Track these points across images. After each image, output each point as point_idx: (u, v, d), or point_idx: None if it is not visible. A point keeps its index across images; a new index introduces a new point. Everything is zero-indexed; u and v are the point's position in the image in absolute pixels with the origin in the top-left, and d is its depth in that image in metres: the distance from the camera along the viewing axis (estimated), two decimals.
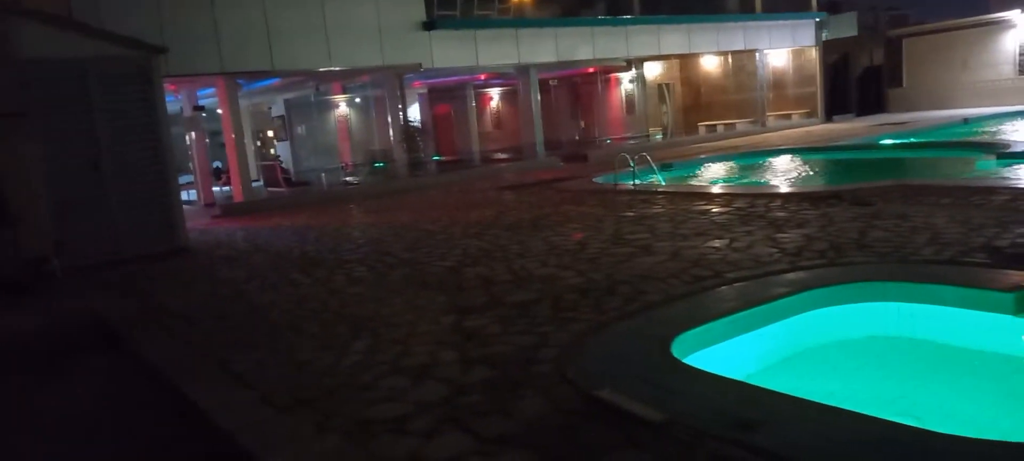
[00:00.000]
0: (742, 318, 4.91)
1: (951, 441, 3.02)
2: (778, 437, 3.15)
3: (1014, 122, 20.90)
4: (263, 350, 5.61)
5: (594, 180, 15.01)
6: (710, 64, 29.77)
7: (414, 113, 20.79)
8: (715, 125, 27.38)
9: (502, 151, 26.94)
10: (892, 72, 30.75)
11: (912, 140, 18.17)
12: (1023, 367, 4.70)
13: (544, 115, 23.68)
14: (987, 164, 12.40)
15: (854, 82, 31.81)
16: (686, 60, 29.39)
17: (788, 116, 28.49)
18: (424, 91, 26.82)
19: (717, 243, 7.57)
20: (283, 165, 24.15)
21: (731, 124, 27.14)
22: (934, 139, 17.71)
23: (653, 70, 29.22)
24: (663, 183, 13.64)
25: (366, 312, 6.40)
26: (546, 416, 3.72)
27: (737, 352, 4.83)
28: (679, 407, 3.52)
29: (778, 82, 29.59)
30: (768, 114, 28.02)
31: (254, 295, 7.77)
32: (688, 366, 4.14)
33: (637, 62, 26.71)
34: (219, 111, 19.18)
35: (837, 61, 31.38)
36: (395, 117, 20.31)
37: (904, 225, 7.44)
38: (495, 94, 31.41)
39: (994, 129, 19.73)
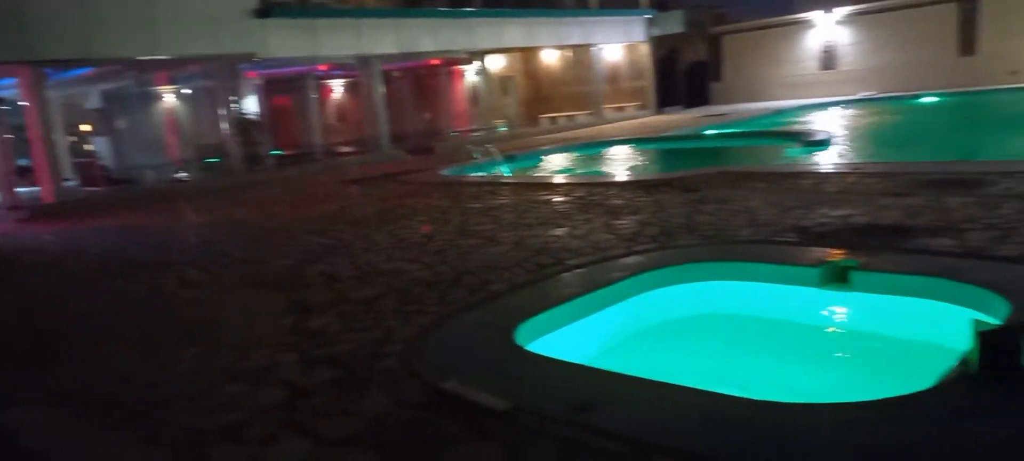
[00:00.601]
0: (582, 303, 5.08)
1: (770, 407, 3.28)
2: (617, 416, 3.28)
3: (817, 113, 23.10)
4: (80, 362, 5.13)
5: (440, 172, 15.01)
6: (550, 58, 30.60)
7: (250, 105, 19.77)
8: (556, 117, 28.20)
9: (346, 144, 26.28)
10: (714, 67, 33.06)
11: (731, 130, 19.64)
12: (828, 335, 5.21)
13: (389, 107, 23.34)
14: (795, 151, 13.63)
15: (681, 76, 33.91)
16: (527, 54, 30.04)
17: (623, 108, 29.88)
18: (260, 82, 25.60)
19: (559, 231, 7.80)
20: (102, 162, 22.23)
21: (571, 116, 28.06)
22: (750, 129, 19.25)
23: (496, 63, 29.61)
24: (508, 174, 13.88)
25: (199, 316, 6.01)
26: (391, 413, 3.66)
27: (579, 336, 4.99)
28: (524, 394, 3.58)
29: (613, 76, 30.95)
30: (605, 106, 29.24)
31: (69, 304, 7.08)
32: (532, 353, 4.23)
33: (480, 55, 26.96)
34: (23, 104, 17.27)
35: (665, 56, 33.30)
36: (228, 110, 19.22)
37: (726, 209, 8.01)
38: (338, 86, 30.58)
39: (801, 119, 21.71)
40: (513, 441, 3.17)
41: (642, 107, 30.23)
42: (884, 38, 27.89)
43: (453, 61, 27.53)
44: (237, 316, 5.90)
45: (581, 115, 28.33)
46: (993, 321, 3.69)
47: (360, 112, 24.77)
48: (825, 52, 29.63)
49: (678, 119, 26.25)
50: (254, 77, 24.09)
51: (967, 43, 26.14)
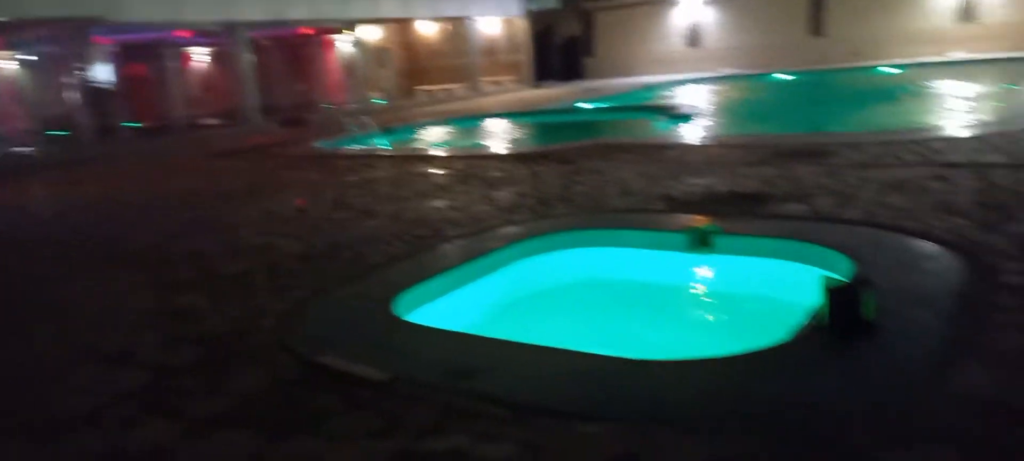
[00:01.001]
0: (462, 272, 5.10)
1: (639, 364, 3.42)
2: (496, 380, 3.33)
3: (684, 88, 24.12)
4: None
5: (315, 145, 14.54)
6: (427, 30, 30.24)
7: (100, 73, 18.31)
8: (433, 90, 27.96)
9: (212, 116, 24.91)
10: (587, 43, 33.76)
11: (604, 105, 20.18)
12: (695, 296, 5.50)
13: (259, 78, 22.30)
14: (663, 125, 14.18)
15: (556, 51, 34.41)
16: (404, 25, 29.53)
17: (500, 82, 30.00)
18: (115, 49, 23.74)
19: (437, 203, 7.76)
20: None
21: (448, 89, 27.90)
22: (622, 103, 19.85)
23: (372, 34, 28.92)
24: (385, 147, 13.64)
25: (51, 297, 5.56)
26: (265, 390, 3.54)
27: (459, 305, 5.01)
28: (403, 364, 3.56)
29: (491, 49, 30.98)
30: (482, 80, 29.26)
31: None
32: (411, 323, 4.21)
33: (355, 25, 26.22)
34: None
35: (541, 31, 33.67)
36: (76, 78, 17.74)
37: (599, 179, 8.25)
38: (203, 54, 28.85)
39: (669, 94, 22.60)
40: (392, 411, 3.15)
41: (519, 81, 30.46)
42: (743, 19, 29.41)
43: (327, 30, 26.62)
44: (93, 296, 5.50)
45: (458, 88, 28.22)
46: (839, 278, 4.01)
47: (227, 82, 23.53)
48: (691, 30, 30.91)
49: (554, 93, 26.66)
50: (107, 43, 22.31)
51: (816, 25, 28.02)
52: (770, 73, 26.14)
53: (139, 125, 22.73)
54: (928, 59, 23.65)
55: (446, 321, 4.66)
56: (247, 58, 21.10)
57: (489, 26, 30.54)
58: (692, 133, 12.39)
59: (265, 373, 3.71)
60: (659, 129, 13.72)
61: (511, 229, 6.26)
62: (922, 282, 4.15)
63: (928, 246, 4.80)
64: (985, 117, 11.29)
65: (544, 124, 17.90)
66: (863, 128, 11.81)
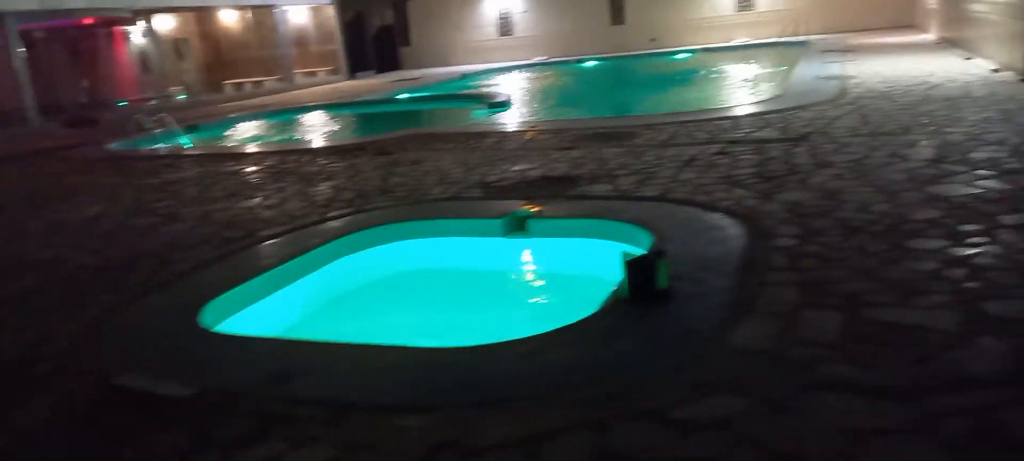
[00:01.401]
0: (276, 274, 4.92)
1: (455, 351, 3.49)
2: (313, 382, 3.26)
3: (499, 76, 24.68)
4: None
5: (109, 147, 13.31)
6: (230, 19, 28.59)
7: None
8: (242, 83, 26.54)
9: None
10: (402, 32, 33.53)
11: (422, 94, 20.18)
12: (513, 279, 5.68)
13: (35, 74, 20.00)
14: (482, 112, 14.44)
15: (371, 40, 33.86)
16: (203, 14, 27.71)
17: (314, 74, 29.06)
18: None
19: (249, 203, 7.41)
20: None
21: (259, 82, 26.61)
22: (441, 93, 19.95)
23: (167, 24, 26.87)
24: (189, 146, 12.78)
25: None
26: (55, 419, 3.23)
27: (275, 309, 4.83)
28: (213, 377, 3.39)
29: (302, 40, 29.90)
30: (295, 71, 28.18)
31: None
32: (220, 333, 4.00)
33: (145, 14, 24.23)
34: None
35: (353, 20, 32.95)
36: None
37: (418, 169, 8.26)
38: None
39: (486, 82, 23.02)
40: (201, 426, 2.99)
41: (334, 72, 29.67)
42: (550, 8, 30.53)
43: (112, 21, 24.38)
44: None
45: (270, 81, 27.00)
46: (636, 251, 4.30)
47: None
48: (502, 19, 31.62)
49: (370, 84, 26.25)
50: None
51: (617, 13, 29.71)
52: (578, 60, 27.39)
53: None
54: (716, 45, 25.88)
55: (261, 327, 4.50)
56: (17, 52, 18.83)
57: (298, 15, 29.42)
58: (507, 120, 12.73)
59: (53, 402, 3.38)
60: (476, 117, 13.96)
61: (329, 225, 6.12)
62: (710, 250, 4.56)
63: (716, 216, 5.28)
64: (761, 96, 12.54)
65: (362, 115, 17.61)
66: (661, 110, 12.73)
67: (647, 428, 2.67)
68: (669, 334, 3.46)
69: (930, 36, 19.56)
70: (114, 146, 13.21)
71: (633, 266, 3.81)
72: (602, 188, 6.50)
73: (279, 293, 4.87)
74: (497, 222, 5.75)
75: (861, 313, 3.43)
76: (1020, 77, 10.32)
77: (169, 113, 14.68)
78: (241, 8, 27.16)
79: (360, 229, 5.79)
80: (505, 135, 10.15)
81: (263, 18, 27.72)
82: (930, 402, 2.64)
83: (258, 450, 2.76)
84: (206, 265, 5.33)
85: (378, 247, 5.64)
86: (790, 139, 7.78)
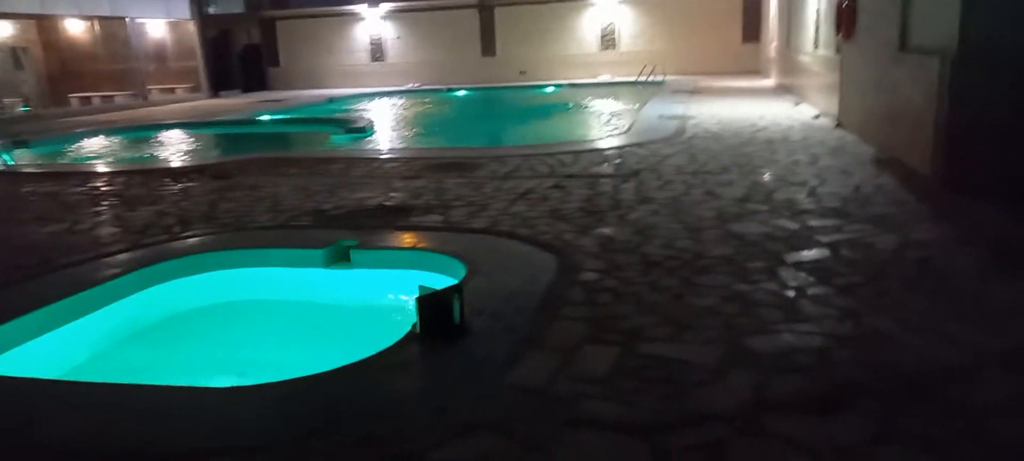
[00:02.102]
0: (59, 309, 4.56)
1: (219, 393, 3.36)
2: (57, 429, 3.02)
3: (368, 102, 24.42)
4: None
5: None
6: (77, 28, 26.76)
7: None
8: (90, 97, 24.83)
9: None
10: (270, 52, 32.63)
11: (283, 116, 19.64)
12: (328, 311, 5.54)
13: None
14: (340, 138, 14.18)
15: (236, 59, 32.72)
16: (46, 22, 25.79)
17: (172, 90, 27.68)
18: None
19: (54, 227, 6.89)
20: None
21: (109, 97, 25.00)
22: (302, 116, 19.47)
23: (3, 30, 24.80)
24: (9, 163, 11.76)
25: None
26: None
27: (57, 347, 4.47)
28: None
29: (159, 54, 28.45)
30: (150, 87, 26.73)
31: None
32: None
33: None
34: None
35: (217, 37, 31.76)
36: None
37: (253, 195, 7.98)
38: None
39: (352, 107, 22.70)
40: None
41: (193, 89, 28.38)
42: (423, 36, 30.69)
43: None
44: None
45: (121, 96, 25.43)
46: (443, 284, 4.31)
47: None
48: (374, 44, 31.43)
49: (232, 103, 25.30)
50: None
51: (488, 46, 30.25)
52: (450, 89, 27.58)
53: None
54: (582, 80, 26.82)
55: (36, 366, 4.15)
56: None
57: (155, 28, 27.98)
58: (360, 146, 12.58)
59: None
60: (336, 142, 13.70)
61: (136, 253, 5.77)
62: (514, 283, 4.64)
63: (531, 250, 5.39)
64: (608, 132, 13.05)
65: (215, 136, 16.89)
66: (517, 141, 12.97)
67: None
68: (450, 372, 3.47)
69: (770, 82, 21.12)
70: None
71: (424, 302, 3.81)
72: (434, 219, 6.51)
73: (62, 330, 4.52)
74: (319, 253, 5.62)
75: (636, 348, 3.58)
76: (835, 123, 11.29)
77: (6, 125, 13.47)
78: (88, 18, 25.48)
79: (165, 259, 5.49)
80: (352, 162, 10.00)
81: (114, 29, 26.13)
82: (667, 438, 2.77)
83: None
84: None
85: (184, 278, 5.36)
86: (622, 175, 8.11)
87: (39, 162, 12.87)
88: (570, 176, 8.23)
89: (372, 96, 26.27)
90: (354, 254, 5.62)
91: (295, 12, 32.10)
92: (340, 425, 2.97)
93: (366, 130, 14.67)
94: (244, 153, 11.44)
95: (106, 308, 4.87)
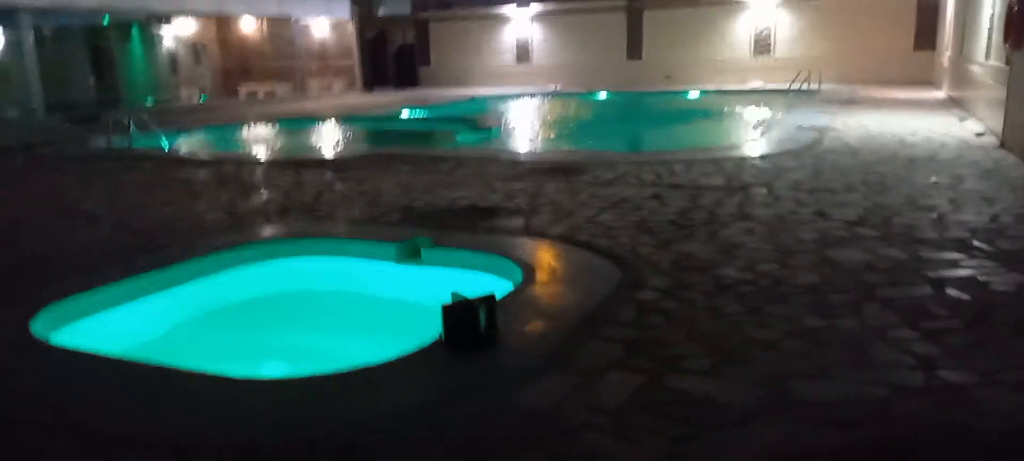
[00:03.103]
0: (140, 284, 4.84)
1: (233, 383, 3.39)
2: (86, 406, 3.17)
3: (508, 102, 24.66)
4: None
5: (92, 145, 13.47)
6: (248, 27, 29.04)
7: None
8: (256, 91, 26.90)
9: None
10: (423, 52, 33.82)
11: (420, 114, 20.24)
12: (394, 306, 5.55)
13: (50, 71, 20.43)
14: (465, 137, 14.39)
15: (391, 58, 34.21)
16: (224, 21, 28.20)
17: (330, 86, 29.39)
18: None
19: (171, 210, 7.41)
20: None
21: (272, 91, 26.96)
22: (437, 114, 19.97)
23: (187, 28, 27.39)
24: (166, 149, 12.89)
25: None
26: None
27: (130, 321, 4.75)
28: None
29: (320, 52, 30.27)
30: (311, 83, 28.52)
31: None
32: (41, 342, 3.91)
33: (164, 18, 24.75)
34: None
35: (375, 36, 33.37)
36: None
37: (356, 189, 8.20)
38: None
39: (492, 107, 23.02)
40: None
41: (349, 86, 29.97)
42: (568, 38, 30.58)
43: (128, 21, 24.88)
44: None
45: (284, 90, 27.33)
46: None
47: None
48: (520, 46, 31.73)
49: (382, 100, 26.43)
50: None
51: (634, 48, 29.63)
52: (591, 92, 27.31)
53: None
54: (730, 87, 25.63)
55: (111, 338, 4.43)
56: (29, 47, 19.26)
57: (318, 28, 29.81)
58: (479, 146, 12.68)
59: None
60: (456, 141, 13.92)
61: (230, 238, 6.07)
62: (567, 295, 4.42)
63: (600, 262, 5.12)
64: (736, 142, 12.31)
65: (354, 131, 17.65)
66: (635, 148, 12.56)
67: None
68: (459, 386, 3.32)
69: (940, 94, 19.16)
70: (97, 144, 13.36)
71: (449, 311, 3.67)
72: (515, 222, 6.37)
73: (138, 304, 4.80)
74: (392, 247, 5.66)
75: (665, 380, 3.25)
76: (999, 142, 10.00)
77: (182, 115, 14.80)
78: (259, 17, 27.57)
79: (250, 244, 5.72)
80: (462, 161, 10.06)
81: (280, 29, 28.12)
82: None
83: None
84: (84, 270, 5.28)
85: (263, 264, 5.56)
86: (730, 188, 7.58)
87: (188, 149, 13.97)
88: (674, 186, 7.81)
89: (514, 97, 26.52)
90: (425, 252, 5.61)
91: (447, 13, 33.08)
92: (325, 432, 2.90)
93: (491, 130, 14.79)
94: (371, 148, 11.89)
95: (180, 287, 5.12)
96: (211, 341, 4.91)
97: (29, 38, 19.16)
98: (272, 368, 4.69)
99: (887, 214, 6.23)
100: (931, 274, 4.60)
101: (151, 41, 26.32)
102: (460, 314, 3.67)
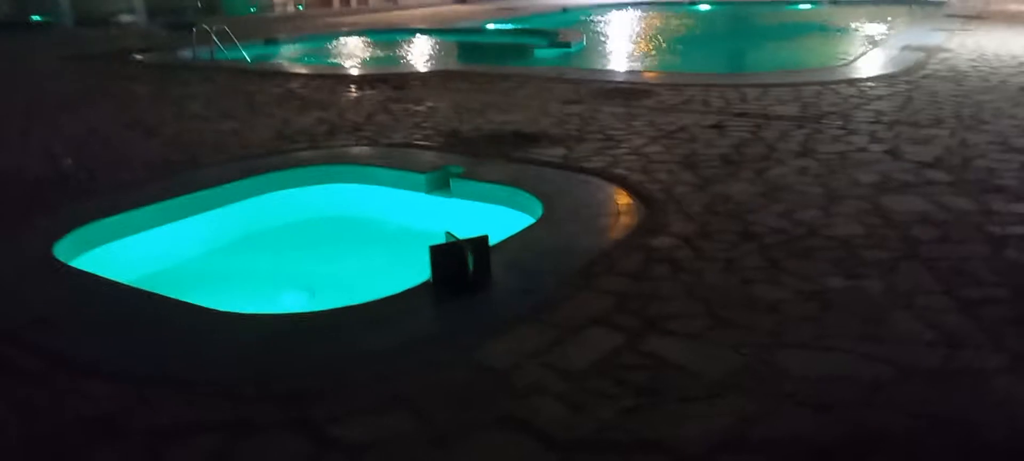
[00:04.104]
0: (165, 209, 4.93)
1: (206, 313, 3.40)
2: (63, 332, 3.25)
3: (605, 14, 23.68)
4: None
5: (178, 54, 13.92)
6: None
7: None
8: (349, 0, 27.01)
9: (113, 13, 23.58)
10: None
11: (504, 26, 19.73)
12: (415, 238, 5.46)
13: None
14: (542, 52, 13.95)
15: None
16: None
17: None
18: None
19: (227, 125, 7.54)
20: None
21: (364, 0, 26.99)
22: (521, 26, 19.40)
23: None
24: (248, 61, 13.15)
25: None
26: None
27: (153, 245, 4.84)
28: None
29: None
30: None
31: None
32: (59, 264, 4.02)
33: None
34: None
35: None
36: None
37: (409, 110, 8.08)
38: None
39: (585, 19, 22.19)
40: None
41: None
42: None
43: None
44: None
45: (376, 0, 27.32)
46: (528, 222, 3.88)
47: None
48: None
49: (473, 10, 26.01)
50: None
51: None
52: (692, 2, 25.90)
53: None
54: None
55: (133, 263, 4.54)
56: None
57: None
58: (551, 63, 12.25)
59: None
60: (539, 56, 13.52)
61: (272, 159, 6.11)
62: (577, 237, 4.18)
63: (624, 199, 4.83)
64: (829, 62, 11.32)
65: (433, 44, 17.46)
66: (715, 69, 11.78)
67: (280, 439, 2.46)
68: (426, 334, 3.20)
69: None
70: (183, 53, 13.77)
71: (436, 252, 3.52)
72: (556, 152, 6.09)
73: (164, 229, 4.90)
74: (422, 177, 5.54)
75: (643, 342, 3.00)
76: None
77: (278, 25, 14.94)
78: None
79: (281, 168, 5.73)
80: (524, 80, 9.71)
81: None
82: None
83: None
84: (124, 187, 5.44)
85: (290, 190, 5.56)
86: (801, 118, 6.98)
87: (269, 61, 14.13)
88: (741, 114, 7.27)
89: (609, 7, 25.48)
90: (454, 183, 5.45)
91: None
92: (284, 375, 2.85)
93: (570, 45, 14.23)
94: (440, 63, 11.68)
95: (210, 212, 5.19)
96: (225, 270, 4.98)
97: None
98: (289, 299, 4.72)
99: (969, 155, 5.55)
100: (995, 230, 4.06)
101: None
102: (446, 256, 3.52)
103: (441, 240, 3.62)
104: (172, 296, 3.61)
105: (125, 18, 22.21)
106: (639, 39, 17.70)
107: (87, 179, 5.66)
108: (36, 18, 23.06)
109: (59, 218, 4.69)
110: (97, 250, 4.46)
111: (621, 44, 16.55)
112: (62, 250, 4.22)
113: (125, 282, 3.83)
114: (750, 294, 3.43)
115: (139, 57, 13.57)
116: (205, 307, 3.48)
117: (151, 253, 4.77)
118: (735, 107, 7.61)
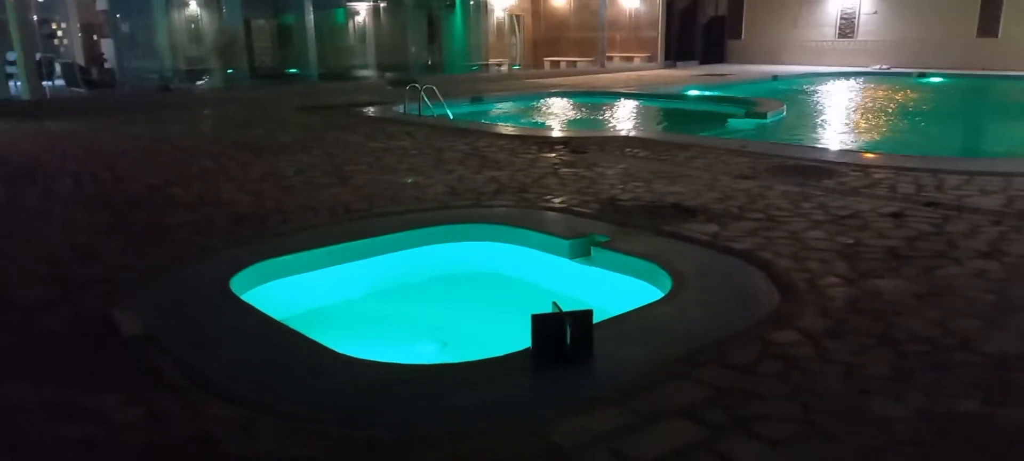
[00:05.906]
0: (327, 254, 5.50)
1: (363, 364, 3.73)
2: (218, 359, 3.75)
3: (815, 83, 22.61)
4: None
5: (395, 109, 15.34)
6: (560, 1, 30.31)
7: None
8: (559, 61, 28.12)
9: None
10: (734, 24, 32.34)
11: (706, 93, 19.45)
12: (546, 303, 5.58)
13: (384, 39, 23.59)
14: (737, 122, 13.63)
15: (700, 30, 33.27)
16: None
17: (630, 58, 29.58)
18: None
19: (412, 178, 8.20)
20: (106, 64, 23.16)
21: (574, 62, 27.95)
22: (721, 94, 19.02)
23: (503, 2, 29.47)
24: (450, 117, 14.18)
25: None
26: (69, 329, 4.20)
27: (311, 287, 5.40)
28: (167, 329, 4.05)
29: (624, 24, 30.54)
30: (611, 55, 28.99)
31: None
32: (232, 297, 4.61)
33: None
34: None
35: (686, 8, 32.67)
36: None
37: (578, 175, 8.28)
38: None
39: (795, 88, 21.33)
40: (86, 364, 3.69)
41: (650, 59, 29.88)
42: (903, 9, 26.94)
43: None
44: None
45: (584, 62, 28.18)
46: (560, 307, 3.95)
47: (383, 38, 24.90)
48: (843, 19, 28.77)
49: (678, 75, 25.98)
50: None
51: (989, 22, 25.12)
52: (922, 74, 23.94)
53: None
54: None
55: (290, 302, 5.10)
56: (368, 20, 22.31)
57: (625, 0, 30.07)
58: (741, 134, 11.90)
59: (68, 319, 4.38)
60: (733, 126, 13.25)
61: (437, 213, 6.58)
62: (696, 322, 4.08)
63: (764, 287, 4.62)
64: None
65: (629, 108, 17.66)
66: (928, 151, 10.75)
67: None
68: (504, 403, 3.29)
69: None
70: (400, 109, 15.14)
71: (536, 322, 3.63)
72: (709, 229, 5.96)
73: (325, 271, 5.45)
74: (565, 243, 5.69)
75: (719, 443, 2.88)
76: None
77: (486, 83, 16.14)
78: None
79: (433, 224, 6.14)
80: (703, 151, 9.56)
81: (587, 1, 28.90)
82: None
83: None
84: (307, 229, 6.14)
85: (445, 244, 5.94)
86: (1002, 213, 6.24)
87: (468, 119, 15.08)
88: (930, 203, 6.64)
89: (826, 76, 24.27)
90: (594, 252, 5.54)
91: None
92: (370, 421, 3.10)
93: (766, 116, 13.76)
94: (626, 128, 11.81)
95: (367, 260, 5.69)
96: (372, 314, 5.41)
97: (367, 10, 22.21)
98: (422, 348, 5.05)
99: None
100: None
101: (478, 10, 28.82)
102: (546, 326, 3.62)
103: (563, 308, 3.71)
104: (312, 336, 4.03)
105: (360, 73, 24.91)
106: (847, 112, 16.63)
107: (281, 221, 6.45)
108: (291, 70, 26.57)
109: (244, 252, 5.42)
110: (267, 285, 5.08)
111: (825, 117, 15.67)
112: (237, 282, 4.87)
113: (278, 317, 4.34)
114: (862, 406, 3.15)
115: (368, 111, 15.14)
116: (330, 349, 3.84)
117: (310, 292, 5.33)
118: (925, 195, 6.96)
